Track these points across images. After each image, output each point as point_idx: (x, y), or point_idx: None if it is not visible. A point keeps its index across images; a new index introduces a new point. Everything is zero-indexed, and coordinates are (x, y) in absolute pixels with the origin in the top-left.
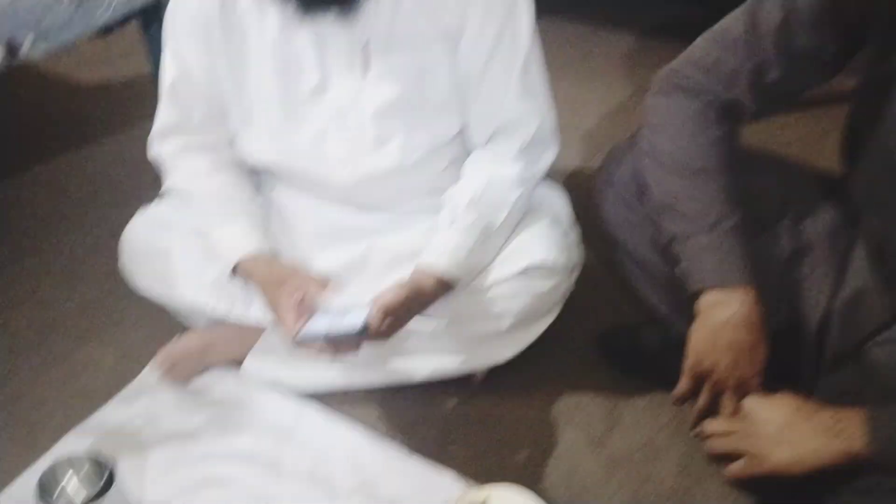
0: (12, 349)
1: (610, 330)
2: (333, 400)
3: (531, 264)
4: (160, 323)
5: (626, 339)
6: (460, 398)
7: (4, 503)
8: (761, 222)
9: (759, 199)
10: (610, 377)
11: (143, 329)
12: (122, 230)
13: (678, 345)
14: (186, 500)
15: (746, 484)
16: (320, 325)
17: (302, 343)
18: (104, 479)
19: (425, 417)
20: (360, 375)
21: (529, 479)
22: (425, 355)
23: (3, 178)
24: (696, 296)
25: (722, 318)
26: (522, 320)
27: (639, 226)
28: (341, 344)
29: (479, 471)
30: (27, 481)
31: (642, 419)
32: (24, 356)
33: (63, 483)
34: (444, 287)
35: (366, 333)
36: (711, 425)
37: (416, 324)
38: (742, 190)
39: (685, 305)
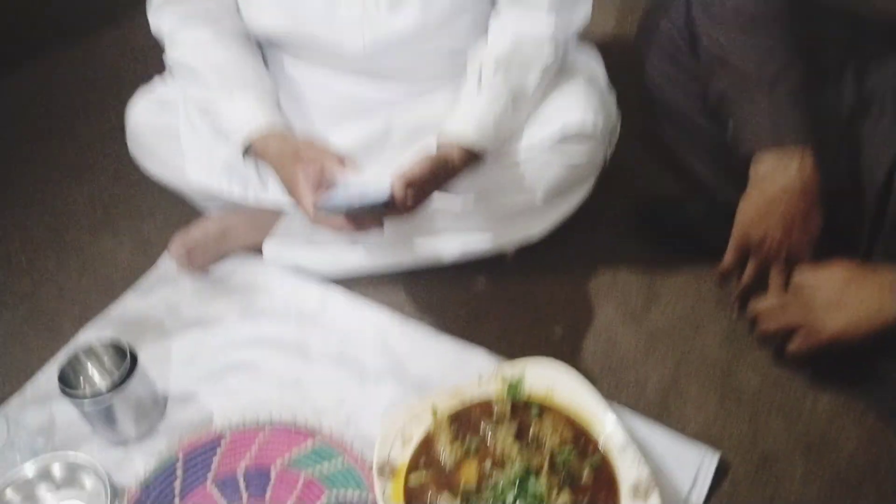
0: (27, 244)
1: (650, 202)
2: (358, 284)
3: (566, 128)
4: (175, 212)
5: (667, 211)
6: (490, 277)
7: (29, 395)
8: (822, 74)
9: (820, 48)
10: (648, 252)
11: (158, 219)
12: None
13: (723, 216)
14: (213, 384)
15: (797, 358)
16: (341, 197)
17: (322, 216)
18: (127, 364)
19: (454, 298)
20: (385, 258)
21: (565, 355)
22: (453, 235)
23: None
24: (748, 159)
25: (776, 184)
26: (556, 192)
27: (685, 83)
28: (364, 218)
29: (512, 349)
30: (51, 372)
31: (682, 293)
32: (40, 250)
33: (87, 371)
34: (471, 158)
35: (390, 205)
36: (760, 304)
37: (443, 201)
38: (801, 39)
39: (735, 171)
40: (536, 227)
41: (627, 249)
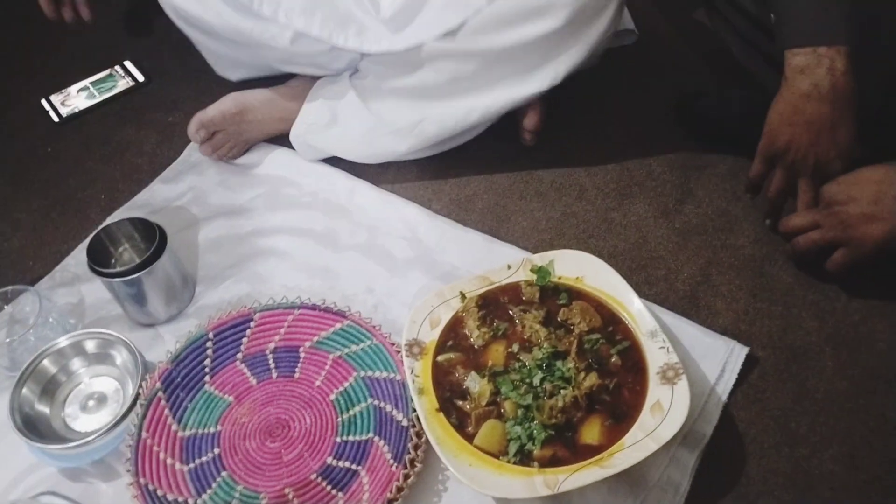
0: (52, 133)
1: (689, 95)
2: (385, 179)
3: None
4: (199, 104)
5: (708, 105)
6: (516, 171)
7: (59, 278)
8: None
9: None
10: (684, 146)
11: (182, 110)
12: None
13: (766, 111)
14: (241, 271)
15: (840, 273)
16: None
17: None
18: (156, 242)
19: (480, 193)
20: (404, 141)
21: (594, 250)
22: (467, 89)
23: None
24: (783, 56)
25: (804, 87)
26: (579, 16)
27: None
28: None
29: (540, 244)
30: (79, 256)
31: (718, 191)
32: (63, 140)
33: (117, 251)
34: None
35: None
36: (790, 220)
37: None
38: None
39: (779, 65)
40: (562, 64)
41: (662, 143)
